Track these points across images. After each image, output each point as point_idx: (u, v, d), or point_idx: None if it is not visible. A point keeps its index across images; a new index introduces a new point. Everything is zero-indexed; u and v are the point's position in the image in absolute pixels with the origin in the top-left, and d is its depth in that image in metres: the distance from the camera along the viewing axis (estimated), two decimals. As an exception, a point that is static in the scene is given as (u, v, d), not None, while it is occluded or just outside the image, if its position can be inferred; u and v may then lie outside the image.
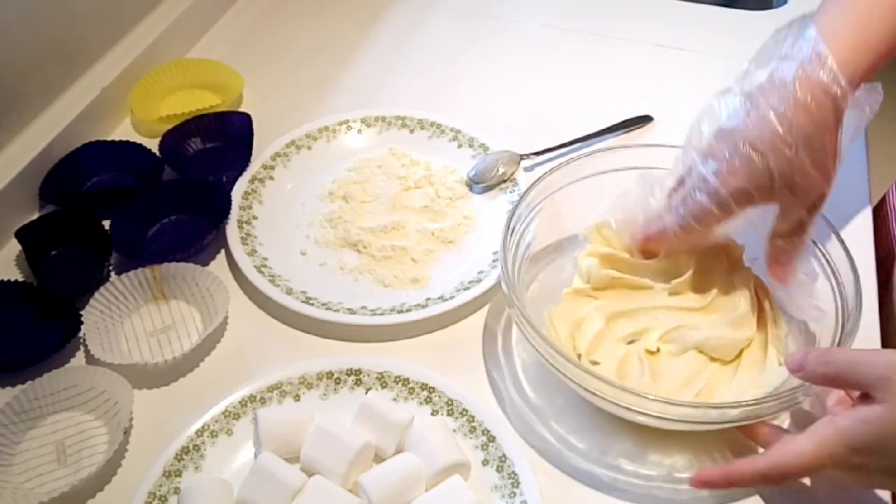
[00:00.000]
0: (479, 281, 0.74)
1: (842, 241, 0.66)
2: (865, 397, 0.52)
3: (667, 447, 0.65)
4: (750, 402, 0.58)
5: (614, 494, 0.62)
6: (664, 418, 0.59)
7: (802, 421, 0.63)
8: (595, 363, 0.65)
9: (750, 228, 0.64)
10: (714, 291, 0.68)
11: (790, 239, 0.63)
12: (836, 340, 0.61)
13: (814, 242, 0.67)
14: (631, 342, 0.67)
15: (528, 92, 0.98)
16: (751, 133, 0.59)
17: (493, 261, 0.76)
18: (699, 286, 0.68)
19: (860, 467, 0.52)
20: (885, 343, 0.70)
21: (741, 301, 0.66)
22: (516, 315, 0.63)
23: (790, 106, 0.58)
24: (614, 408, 0.61)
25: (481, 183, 0.84)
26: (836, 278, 0.66)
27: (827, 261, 0.67)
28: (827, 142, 0.59)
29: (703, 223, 0.63)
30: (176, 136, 0.88)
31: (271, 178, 0.85)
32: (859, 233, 0.80)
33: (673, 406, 0.58)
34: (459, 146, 0.88)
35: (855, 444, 0.51)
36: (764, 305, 0.68)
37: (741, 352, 0.66)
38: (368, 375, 0.67)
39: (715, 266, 0.69)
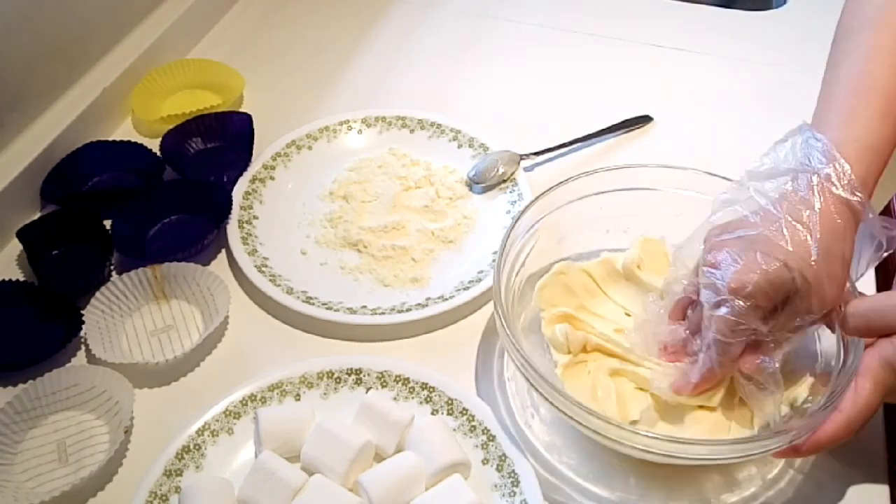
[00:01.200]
0: (479, 281, 0.74)
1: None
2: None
3: (629, 470, 0.64)
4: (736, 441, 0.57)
5: (614, 494, 0.63)
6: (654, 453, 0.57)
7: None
8: (635, 422, 0.62)
9: None
10: None
11: (779, 344, 0.59)
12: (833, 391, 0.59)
13: None
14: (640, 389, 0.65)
15: (528, 92, 0.98)
16: (769, 235, 0.56)
17: (493, 261, 0.76)
18: None
19: None
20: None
21: None
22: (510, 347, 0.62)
23: (811, 215, 0.56)
24: (579, 427, 0.59)
25: (481, 183, 0.84)
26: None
27: None
28: (846, 254, 0.57)
29: (728, 344, 0.58)
30: (177, 137, 0.88)
31: (272, 177, 0.86)
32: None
33: (630, 433, 0.57)
34: (459, 146, 0.88)
35: None
36: None
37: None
38: (369, 375, 0.68)
39: None
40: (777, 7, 1.13)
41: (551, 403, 0.59)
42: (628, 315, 0.70)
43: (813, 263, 0.55)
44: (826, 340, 0.63)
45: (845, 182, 0.56)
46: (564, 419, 0.60)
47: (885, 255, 0.60)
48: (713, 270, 0.58)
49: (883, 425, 0.66)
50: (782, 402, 0.62)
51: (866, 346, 0.58)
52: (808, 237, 0.56)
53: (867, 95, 0.60)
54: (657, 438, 0.56)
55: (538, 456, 0.64)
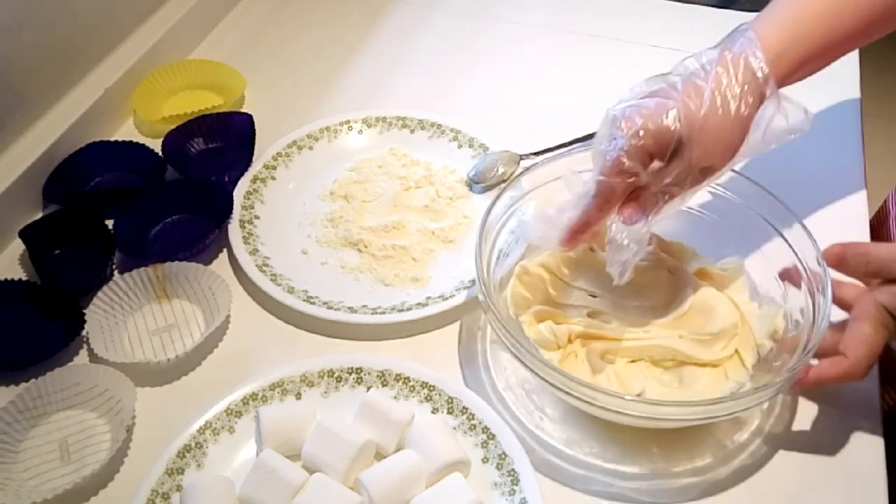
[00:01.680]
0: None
1: (814, 241, 0.66)
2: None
3: (661, 440, 0.65)
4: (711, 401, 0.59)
5: (614, 495, 0.63)
6: (640, 416, 0.60)
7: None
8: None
9: None
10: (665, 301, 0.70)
11: (660, 194, 0.62)
12: (805, 343, 0.61)
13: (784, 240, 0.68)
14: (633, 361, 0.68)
15: (528, 92, 0.98)
16: (667, 90, 0.60)
17: (496, 260, 0.76)
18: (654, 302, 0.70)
19: None
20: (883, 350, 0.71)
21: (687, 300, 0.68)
22: (492, 319, 0.63)
23: (711, 76, 0.59)
24: (589, 407, 0.61)
25: (481, 183, 0.85)
26: (807, 274, 0.66)
27: (801, 261, 0.67)
28: (739, 118, 0.59)
29: (610, 183, 0.60)
30: (178, 137, 0.88)
31: (273, 177, 0.86)
32: (856, 233, 0.80)
33: (645, 405, 0.59)
34: (459, 146, 0.89)
35: None
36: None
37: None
38: (369, 374, 0.68)
39: (652, 278, 0.71)
40: (777, 7, 1.13)
41: (557, 388, 0.60)
42: (593, 297, 0.71)
43: (701, 113, 0.58)
44: (792, 299, 0.66)
45: (752, 53, 0.59)
46: (575, 402, 0.61)
47: (793, 137, 0.61)
48: (611, 109, 0.61)
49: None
50: (765, 337, 0.66)
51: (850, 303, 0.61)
52: (704, 93, 0.58)
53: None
54: (666, 405, 0.59)
55: (561, 454, 0.65)
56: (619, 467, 0.64)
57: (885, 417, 0.66)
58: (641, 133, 0.58)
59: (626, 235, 0.62)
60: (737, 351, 0.67)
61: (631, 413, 0.59)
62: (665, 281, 0.71)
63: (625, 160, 0.59)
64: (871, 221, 0.83)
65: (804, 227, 0.67)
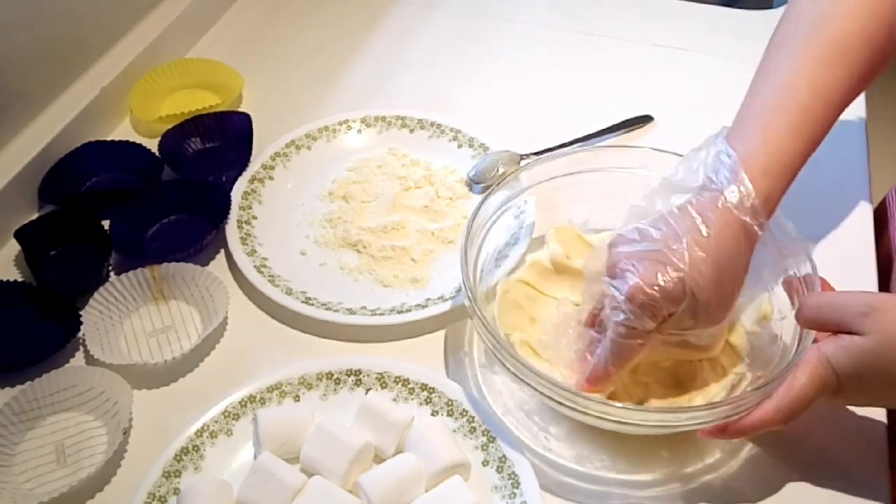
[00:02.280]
0: (480, 280, 0.74)
1: (808, 254, 0.65)
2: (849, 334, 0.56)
3: (669, 443, 0.65)
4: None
5: (570, 488, 0.63)
6: (627, 423, 0.59)
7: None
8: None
9: None
10: None
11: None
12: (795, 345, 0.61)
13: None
14: None
15: (527, 92, 0.98)
16: (668, 252, 0.58)
17: (496, 260, 0.76)
18: None
19: (847, 394, 0.57)
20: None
21: None
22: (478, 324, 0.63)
23: (710, 235, 0.57)
24: (589, 419, 0.61)
25: (481, 183, 0.84)
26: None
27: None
28: (738, 279, 0.59)
29: (625, 344, 0.60)
30: (176, 136, 0.88)
31: (271, 178, 0.85)
32: (859, 234, 0.80)
33: (633, 412, 0.59)
34: (459, 146, 0.88)
35: (839, 370, 0.56)
36: None
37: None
38: (368, 376, 0.67)
39: None
40: (778, 7, 1.13)
41: (553, 399, 0.60)
42: (577, 305, 0.70)
43: (704, 285, 0.57)
44: (787, 334, 0.65)
45: (748, 205, 0.58)
46: (573, 414, 0.61)
47: (788, 275, 0.63)
48: (612, 281, 0.59)
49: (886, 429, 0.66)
50: (755, 324, 0.67)
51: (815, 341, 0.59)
52: (705, 257, 0.57)
53: (785, 110, 0.60)
54: (670, 412, 0.59)
55: (574, 472, 0.64)
56: (633, 476, 0.63)
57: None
58: (646, 305, 0.58)
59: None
60: (728, 342, 0.67)
61: (634, 422, 0.59)
62: None
63: (635, 328, 0.59)
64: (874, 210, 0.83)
65: (791, 227, 0.66)
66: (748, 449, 0.65)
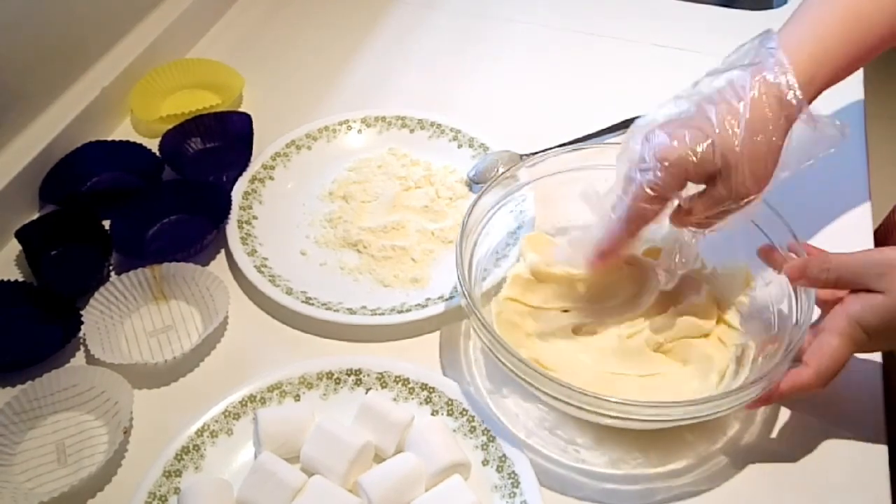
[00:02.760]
0: (482, 280, 0.74)
1: (794, 236, 0.66)
2: (867, 292, 0.58)
3: (693, 427, 0.65)
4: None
5: (576, 495, 0.62)
6: (622, 418, 0.60)
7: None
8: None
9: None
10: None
11: (700, 222, 0.62)
12: (789, 342, 0.62)
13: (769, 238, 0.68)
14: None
15: (528, 92, 0.98)
16: (701, 119, 0.59)
17: (496, 260, 0.76)
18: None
19: (878, 343, 0.60)
20: (885, 359, 0.71)
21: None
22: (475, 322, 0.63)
23: (745, 104, 0.58)
24: (571, 409, 0.61)
25: (481, 183, 0.84)
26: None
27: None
28: (772, 147, 0.59)
29: (643, 208, 0.61)
30: (176, 136, 0.88)
31: (271, 178, 0.85)
32: (859, 234, 0.80)
33: (630, 406, 0.59)
34: (459, 146, 0.88)
35: (869, 328, 0.58)
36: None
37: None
38: (368, 375, 0.67)
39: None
40: (777, 7, 1.13)
41: (544, 392, 0.60)
42: (565, 311, 0.70)
43: (737, 147, 0.57)
44: (778, 299, 0.66)
45: (784, 81, 0.58)
46: (576, 411, 0.61)
47: (823, 154, 0.61)
48: (645, 142, 0.60)
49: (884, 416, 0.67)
50: (741, 293, 0.68)
51: (830, 304, 0.61)
52: (736, 123, 0.58)
53: (839, 9, 0.62)
54: (636, 405, 0.59)
55: (613, 477, 0.63)
56: (669, 467, 0.64)
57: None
58: (675, 164, 0.58)
59: (679, 253, 0.65)
60: (721, 318, 0.68)
61: (662, 418, 0.60)
62: (627, 273, 0.71)
63: (658, 190, 0.59)
64: (876, 229, 0.83)
65: (784, 222, 0.67)
66: (762, 414, 0.66)
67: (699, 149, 0.58)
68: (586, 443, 0.65)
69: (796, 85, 0.58)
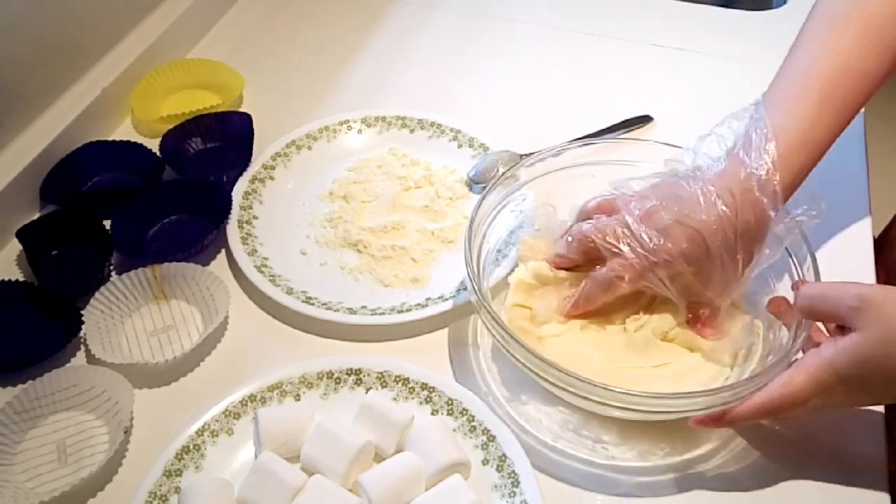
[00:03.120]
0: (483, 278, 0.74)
1: (811, 253, 0.67)
2: (841, 329, 0.56)
3: (677, 428, 0.65)
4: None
5: (614, 493, 0.63)
6: (631, 409, 0.60)
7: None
8: None
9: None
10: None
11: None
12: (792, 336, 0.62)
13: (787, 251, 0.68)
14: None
15: (528, 92, 0.98)
16: (699, 215, 0.61)
17: (495, 260, 0.76)
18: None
19: (848, 393, 0.56)
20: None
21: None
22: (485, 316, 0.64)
23: (733, 208, 0.61)
24: (581, 401, 0.62)
25: (481, 183, 0.84)
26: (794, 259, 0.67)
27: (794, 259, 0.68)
28: (745, 255, 0.62)
29: (618, 279, 0.64)
30: (176, 136, 0.88)
31: (272, 178, 0.86)
32: (859, 234, 0.80)
33: (639, 398, 0.59)
34: (459, 146, 0.88)
35: (841, 371, 0.55)
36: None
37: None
38: (368, 375, 0.67)
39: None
40: (777, 7, 1.13)
41: (554, 384, 0.61)
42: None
43: (720, 250, 0.61)
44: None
45: (771, 188, 0.61)
46: (583, 402, 0.62)
47: (773, 259, 0.64)
48: (641, 226, 0.63)
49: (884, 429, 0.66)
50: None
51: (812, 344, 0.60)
52: (728, 228, 0.61)
53: (816, 81, 0.63)
54: (626, 394, 0.59)
55: (645, 470, 0.64)
56: (696, 452, 0.64)
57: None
58: (669, 258, 0.62)
59: None
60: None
61: (639, 407, 0.60)
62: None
63: (640, 265, 0.63)
64: (876, 239, 0.83)
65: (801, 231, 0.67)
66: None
67: (694, 250, 0.61)
68: (612, 439, 0.65)
69: (780, 201, 0.61)
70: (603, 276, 0.64)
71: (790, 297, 0.65)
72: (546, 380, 0.61)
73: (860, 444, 0.64)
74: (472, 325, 0.73)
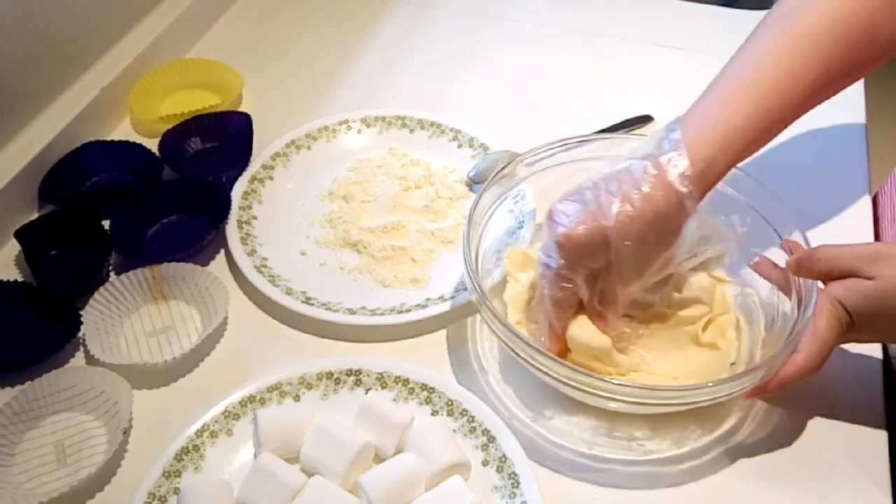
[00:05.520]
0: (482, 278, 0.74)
1: (801, 230, 0.67)
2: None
3: (686, 419, 0.66)
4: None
5: (615, 491, 0.63)
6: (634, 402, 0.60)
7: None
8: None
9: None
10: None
11: (600, 308, 0.64)
12: (792, 329, 0.62)
13: (777, 234, 0.69)
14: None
15: (528, 92, 0.98)
16: (598, 207, 0.60)
17: (496, 260, 0.76)
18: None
19: (861, 328, 0.60)
20: (885, 355, 0.71)
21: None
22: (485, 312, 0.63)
23: (640, 196, 0.59)
24: (585, 396, 0.62)
25: (481, 183, 0.84)
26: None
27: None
28: (663, 238, 0.61)
29: (560, 291, 0.62)
30: (175, 136, 0.88)
31: (271, 178, 0.85)
32: (859, 234, 0.80)
33: (640, 390, 0.60)
34: (459, 146, 0.88)
35: (852, 308, 0.59)
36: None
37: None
38: (368, 376, 0.67)
39: None
40: (777, 7, 1.13)
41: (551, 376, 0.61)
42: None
43: (628, 239, 0.59)
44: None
45: (679, 172, 0.59)
46: (592, 399, 0.62)
47: (712, 254, 0.64)
48: (546, 231, 0.62)
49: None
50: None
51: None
52: (632, 214, 0.59)
53: (747, 84, 0.62)
54: (632, 387, 0.60)
55: (683, 456, 0.64)
56: (725, 426, 0.65)
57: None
58: (570, 249, 0.60)
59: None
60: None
61: (666, 401, 0.61)
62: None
63: (564, 273, 0.61)
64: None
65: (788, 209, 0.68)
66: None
67: (591, 236, 0.60)
68: (645, 434, 0.65)
69: (694, 182, 0.59)
70: (546, 301, 0.64)
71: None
72: (550, 375, 0.61)
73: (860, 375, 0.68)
74: (471, 325, 0.73)
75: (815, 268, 0.61)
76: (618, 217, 0.59)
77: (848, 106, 0.91)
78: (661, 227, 0.60)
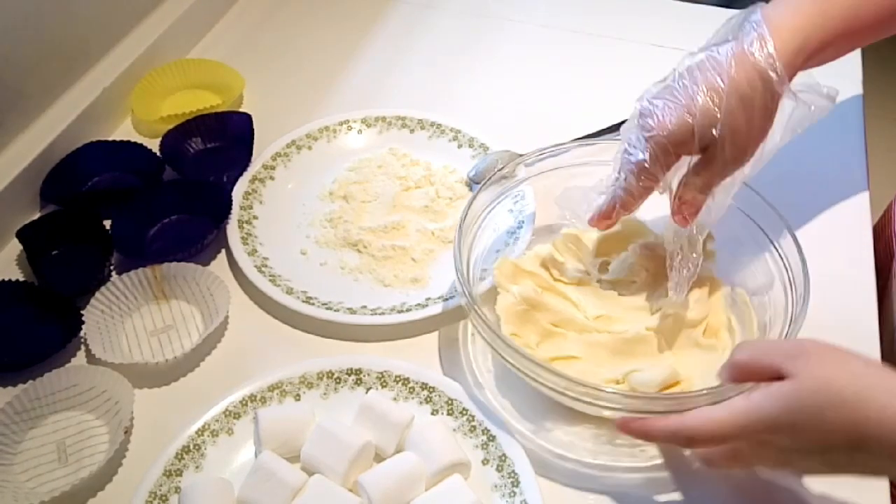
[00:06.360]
0: (482, 280, 0.74)
1: (790, 230, 0.67)
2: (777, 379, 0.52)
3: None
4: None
5: (614, 492, 0.63)
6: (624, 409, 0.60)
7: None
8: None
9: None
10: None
11: (695, 195, 0.64)
12: (785, 330, 0.62)
13: (766, 235, 0.69)
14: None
15: (528, 92, 0.98)
16: (684, 96, 0.60)
17: (495, 260, 0.76)
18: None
19: (770, 443, 0.52)
20: (884, 356, 0.70)
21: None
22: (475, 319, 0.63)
23: (724, 81, 0.59)
24: (574, 402, 0.61)
25: (481, 183, 0.84)
26: (784, 263, 0.67)
27: (780, 255, 0.68)
28: (754, 123, 0.60)
29: (637, 181, 0.62)
30: (177, 137, 0.88)
31: (272, 178, 0.86)
32: (858, 234, 0.80)
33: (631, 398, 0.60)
34: (459, 146, 0.88)
35: (767, 418, 0.51)
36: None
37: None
38: (369, 375, 0.68)
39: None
40: (777, 7, 1.13)
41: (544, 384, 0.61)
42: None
43: (716, 129, 0.59)
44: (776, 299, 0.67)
45: (765, 53, 0.59)
46: (579, 405, 0.61)
47: (810, 124, 0.62)
48: (634, 125, 0.63)
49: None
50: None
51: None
52: (718, 103, 0.59)
53: None
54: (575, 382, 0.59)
55: (537, 455, 0.64)
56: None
57: None
58: (667, 133, 0.60)
59: (682, 252, 0.65)
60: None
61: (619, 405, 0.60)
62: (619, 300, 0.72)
63: (647, 166, 0.61)
64: (874, 226, 0.83)
65: (779, 214, 0.68)
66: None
67: (679, 129, 0.59)
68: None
69: (775, 60, 0.58)
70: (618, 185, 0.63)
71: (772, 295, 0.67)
72: (536, 380, 0.61)
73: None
74: (471, 325, 0.73)
75: (737, 360, 0.55)
76: (705, 107, 0.59)
77: (848, 105, 0.91)
78: (752, 113, 0.59)
